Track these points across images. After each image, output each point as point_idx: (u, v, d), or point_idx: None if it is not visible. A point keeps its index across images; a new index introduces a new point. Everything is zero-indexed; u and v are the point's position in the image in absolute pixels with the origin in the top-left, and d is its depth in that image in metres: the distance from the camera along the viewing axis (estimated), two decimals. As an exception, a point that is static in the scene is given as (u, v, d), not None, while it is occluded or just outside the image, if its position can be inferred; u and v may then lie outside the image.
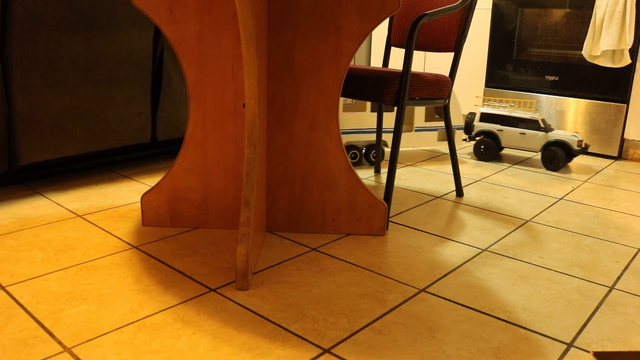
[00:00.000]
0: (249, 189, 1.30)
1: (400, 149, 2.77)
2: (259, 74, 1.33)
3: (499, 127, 2.56)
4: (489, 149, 2.58)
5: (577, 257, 1.51)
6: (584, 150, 2.43)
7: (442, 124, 2.62)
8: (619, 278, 1.39)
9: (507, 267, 1.43)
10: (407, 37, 1.87)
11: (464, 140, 2.83)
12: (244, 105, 1.55)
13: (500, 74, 3.08)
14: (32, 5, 1.78)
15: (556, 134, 2.43)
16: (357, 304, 1.21)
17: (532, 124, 2.48)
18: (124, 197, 1.90)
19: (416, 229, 1.68)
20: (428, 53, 3.44)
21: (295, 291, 1.26)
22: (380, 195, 2.03)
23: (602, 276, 1.40)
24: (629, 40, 2.54)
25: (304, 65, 1.50)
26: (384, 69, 1.86)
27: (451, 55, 3.35)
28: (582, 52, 2.70)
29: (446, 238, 1.61)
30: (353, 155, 2.46)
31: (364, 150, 2.47)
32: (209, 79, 1.53)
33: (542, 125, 2.45)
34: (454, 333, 1.11)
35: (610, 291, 1.31)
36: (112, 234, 1.56)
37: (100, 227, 1.61)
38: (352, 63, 3.20)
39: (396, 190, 2.07)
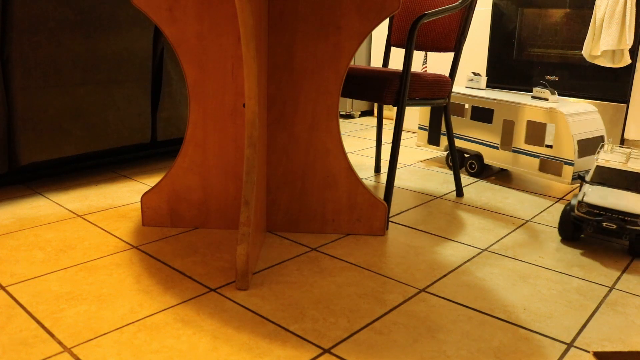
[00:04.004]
0: (249, 189, 1.30)
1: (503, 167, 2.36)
2: (259, 74, 1.33)
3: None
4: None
5: (577, 257, 1.51)
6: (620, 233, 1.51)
7: (544, 150, 2.10)
8: (619, 278, 1.39)
9: (507, 267, 1.43)
10: (407, 37, 1.87)
11: (576, 177, 2.07)
12: (244, 105, 1.55)
13: (500, 74, 3.08)
14: (32, 6, 1.78)
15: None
16: (357, 304, 1.21)
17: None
18: (124, 197, 1.90)
19: (416, 229, 1.67)
20: (428, 53, 3.43)
21: (295, 291, 1.26)
22: (381, 195, 2.03)
23: (602, 276, 1.40)
24: (629, 40, 2.54)
25: (304, 65, 1.50)
26: (384, 69, 1.86)
27: (451, 55, 3.35)
28: (582, 52, 2.70)
29: (446, 238, 1.61)
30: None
31: (466, 157, 2.36)
32: (209, 79, 1.53)
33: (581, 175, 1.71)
34: (454, 333, 1.11)
35: (610, 291, 1.31)
36: (112, 234, 1.56)
37: (100, 227, 1.61)
38: (352, 63, 3.20)
39: (396, 190, 2.07)
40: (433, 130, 2.49)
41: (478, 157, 2.31)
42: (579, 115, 2.09)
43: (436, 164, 2.50)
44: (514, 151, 2.20)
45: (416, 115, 3.29)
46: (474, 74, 2.49)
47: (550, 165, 2.10)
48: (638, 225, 1.50)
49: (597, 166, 1.64)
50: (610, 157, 1.68)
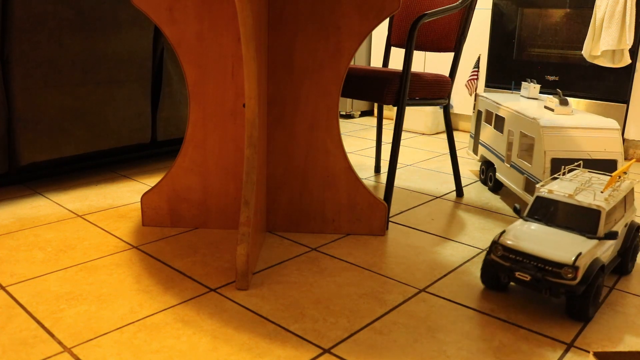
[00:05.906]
0: (249, 189, 1.30)
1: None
2: (259, 74, 1.33)
3: None
4: None
5: (577, 257, 1.51)
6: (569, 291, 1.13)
7: (527, 167, 1.80)
8: (619, 278, 1.39)
9: (507, 267, 1.43)
10: (407, 37, 1.87)
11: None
12: (244, 105, 1.55)
13: (500, 74, 3.08)
14: (32, 6, 1.78)
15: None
16: (357, 304, 1.21)
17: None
18: (124, 197, 1.90)
19: (416, 229, 1.67)
20: (428, 53, 3.44)
21: (295, 291, 1.26)
22: (380, 195, 2.03)
23: (602, 276, 1.40)
24: (629, 40, 2.54)
25: (304, 65, 1.50)
26: (384, 69, 1.86)
27: (451, 55, 3.35)
28: (582, 52, 2.70)
29: (446, 238, 1.61)
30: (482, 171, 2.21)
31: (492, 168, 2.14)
32: (209, 79, 1.53)
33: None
34: (454, 333, 1.11)
35: (610, 291, 1.31)
36: (112, 234, 1.56)
37: (100, 227, 1.61)
38: (352, 63, 3.20)
39: (396, 190, 2.07)
40: (475, 138, 2.33)
41: (494, 169, 2.10)
42: (563, 129, 1.74)
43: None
44: (511, 166, 1.94)
45: (416, 116, 3.28)
46: (528, 80, 2.26)
47: (529, 184, 1.81)
48: (561, 277, 1.11)
49: (537, 197, 1.29)
50: (561, 185, 1.32)
